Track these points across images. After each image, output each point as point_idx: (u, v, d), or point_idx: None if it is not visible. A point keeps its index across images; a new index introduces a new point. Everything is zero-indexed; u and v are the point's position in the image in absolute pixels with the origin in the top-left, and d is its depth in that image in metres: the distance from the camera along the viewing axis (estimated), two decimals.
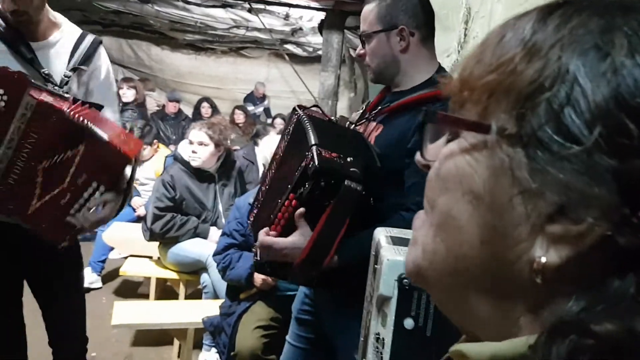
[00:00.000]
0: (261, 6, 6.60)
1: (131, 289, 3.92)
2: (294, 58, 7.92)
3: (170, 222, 2.99)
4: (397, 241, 1.00)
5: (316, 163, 1.18)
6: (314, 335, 1.64)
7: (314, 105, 1.65)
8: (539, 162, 0.32)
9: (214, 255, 2.60)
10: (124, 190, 1.56)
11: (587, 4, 0.35)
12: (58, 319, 1.82)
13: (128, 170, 1.58)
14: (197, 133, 3.05)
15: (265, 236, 1.30)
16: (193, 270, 3.13)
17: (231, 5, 6.68)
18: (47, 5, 1.58)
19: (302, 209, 1.25)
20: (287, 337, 1.73)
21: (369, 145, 1.42)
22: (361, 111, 1.65)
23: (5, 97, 1.37)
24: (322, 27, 6.65)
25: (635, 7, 0.34)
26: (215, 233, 3.09)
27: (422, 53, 1.44)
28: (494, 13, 3.41)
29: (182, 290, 3.22)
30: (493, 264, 0.36)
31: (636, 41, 0.32)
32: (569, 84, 0.32)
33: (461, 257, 0.37)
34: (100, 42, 1.71)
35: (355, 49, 7.59)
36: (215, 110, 6.76)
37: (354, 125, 1.60)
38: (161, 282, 3.46)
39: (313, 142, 1.25)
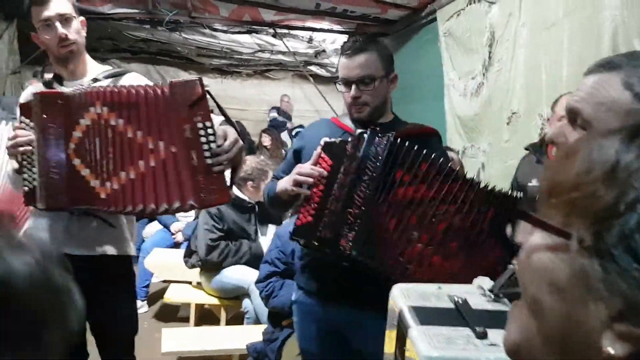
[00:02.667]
0: (285, 30, 6.78)
1: (171, 313, 4.04)
2: (317, 78, 8.08)
3: (225, 249, 3.16)
4: (422, 316, 0.99)
5: None
6: None
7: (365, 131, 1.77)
8: (609, 273, 0.41)
9: (257, 282, 2.70)
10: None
11: None
12: (111, 346, 1.95)
13: None
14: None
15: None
16: (235, 295, 3.25)
17: (256, 31, 6.87)
18: (86, 54, 1.82)
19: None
20: None
21: None
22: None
23: (27, 120, 1.65)
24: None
25: None
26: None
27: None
28: (519, 37, 3.50)
29: (223, 315, 3.34)
30: (572, 347, 0.44)
31: None
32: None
33: (548, 339, 0.46)
34: (128, 71, 1.90)
35: None
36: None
37: None
38: (200, 305, 3.58)
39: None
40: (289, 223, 2.74)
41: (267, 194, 1.85)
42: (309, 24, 6.46)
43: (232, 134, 1.53)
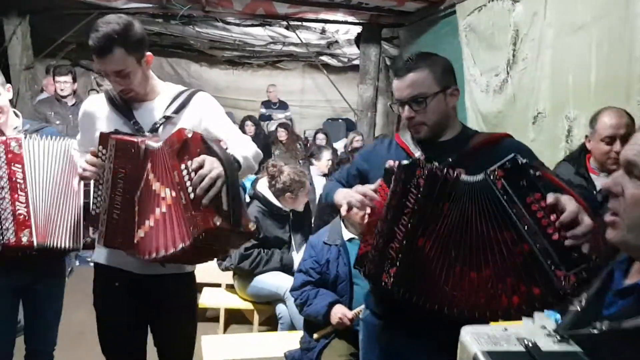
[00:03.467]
0: (298, 23, 6.75)
1: (200, 313, 4.10)
2: (329, 68, 8.06)
3: (257, 258, 3.21)
4: None
5: None
6: None
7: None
8: None
9: (292, 290, 2.75)
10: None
11: None
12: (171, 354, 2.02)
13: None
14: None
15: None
16: (269, 301, 3.31)
17: (270, 24, 6.84)
18: (150, 74, 1.82)
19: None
20: None
21: None
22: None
23: (103, 150, 1.67)
24: (359, 41, 6.76)
25: None
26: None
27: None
28: (544, 37, 3.49)
29: (256, 320, 3.40)
30: None
31: None
32: None
33: None
34: (196, 92, 1.88)
35: (390, 58, 7.68)
36: (258, 127, 6.91)
37: None
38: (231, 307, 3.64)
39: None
40: (322, 233, 2.78)
41: (325, 194, 1.86)
42: (322, 15, 6.42)
43: (208, 161, 1.55)
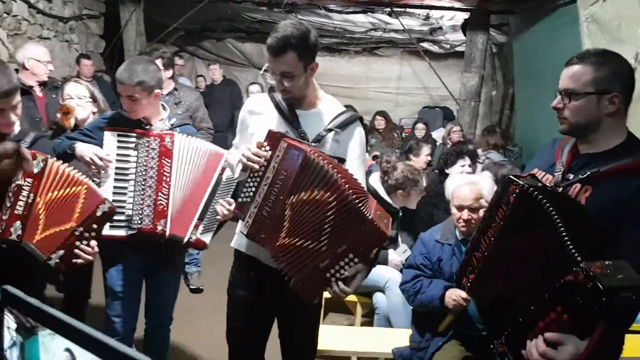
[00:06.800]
0: (402, 9, 6.60)
1: None
2: (428, 54, 7.83)
3: None
4: None
5: (602, 288, 1.20)
6: None
7: (529, 175, 1.66)
8: None
9: (402, 284, 2.71)
10: (372, 261, 1.71)
11: None
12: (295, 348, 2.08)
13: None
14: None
15: (543, 348, 1.33)
16: (368, 291, 3.29)
17: (372, 10, 6.75)
18: (314, 84, 1.91)
19: (565, 316, 1.29)
20: None
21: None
22: (560, 172, 1.62)
23: (268, 148, 1.72)
24: (465, 27, 6.51)
25: None
26: (393, 256, 3.26)
27: (623, 119, 1.55)
28: None
29: (359, 312, 3.42)
30: None
31: None
32: None
33: None
34: (359, 119, 1.94)
35: (497, 45, 7.34)
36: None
37: (559, 187, 1.59)
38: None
39: (576, 257, 1.29)
40: (435, 230, 2.72)
41: None
42: (427, 1, 6.24)
43: (356, 283, 1.71)
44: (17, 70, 3.30)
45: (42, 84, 3.42)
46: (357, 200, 1.59)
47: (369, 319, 3.55)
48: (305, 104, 1.89)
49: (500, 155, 4.80)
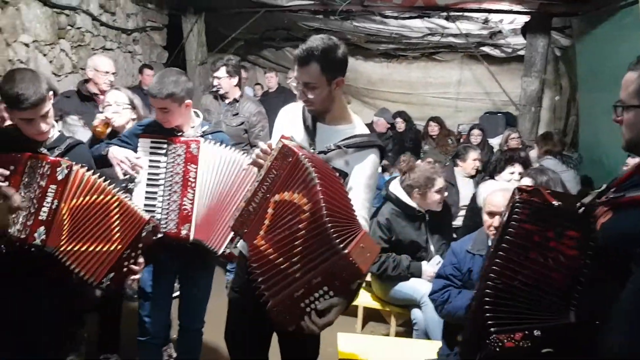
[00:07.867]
0: (459, 13, 6.47)
1: None
2: (489, 59, 7.60)
3: (385, 263, 3.14)
4: None
5: None
6: None
7: (533, 187, 1.58)
8: None
9: (431, 294, 2.65)
10: (351, 294, 1.63)
11: None
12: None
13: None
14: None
15: None
16: (404, 304, 3.25)
17: (428, 15, 6.66)
18: (343, 103, 1.94)
19: None
20: None
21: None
22: (605, 186, 1.48)
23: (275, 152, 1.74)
24: (525, 30, 6.27)
25: None
26: (427, 268, 3.18)
27: None
28: None
29: (393, 323, 3.37)
30: None
31: None
32: None
33: None
34: (378, 147, 1.92)
35: (561, 48, 7.00)
36: (409, 122, 6.76)
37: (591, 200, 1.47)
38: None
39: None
40: (467, 240, 2.64)
41: None
42: (485, 5, 6.08)
43: (332, 317, 1.60)
44: (86, 80, 3.56)
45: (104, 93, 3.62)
46: (328, 220, 1.50)
47: (405, 329, 3.50)
48: (328, 118, 1.92)
49: (558, 162, 4.57)
